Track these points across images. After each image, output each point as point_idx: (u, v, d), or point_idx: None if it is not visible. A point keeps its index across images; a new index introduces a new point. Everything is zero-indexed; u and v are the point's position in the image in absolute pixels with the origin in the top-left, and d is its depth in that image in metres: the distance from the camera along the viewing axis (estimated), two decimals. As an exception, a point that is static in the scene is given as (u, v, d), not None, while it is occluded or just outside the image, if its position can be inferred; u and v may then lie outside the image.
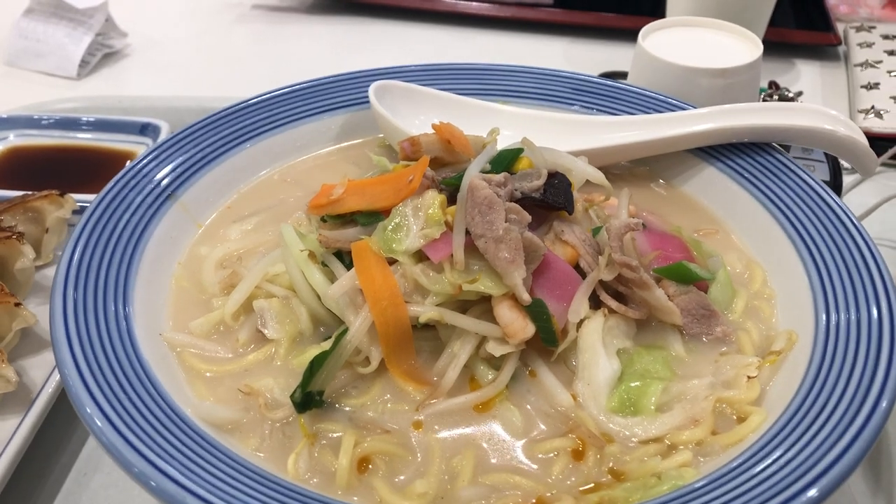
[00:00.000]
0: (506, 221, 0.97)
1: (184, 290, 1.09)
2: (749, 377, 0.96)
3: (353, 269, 0.98)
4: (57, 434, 1.16)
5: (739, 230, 1.21)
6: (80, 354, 0.87)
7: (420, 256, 0.99)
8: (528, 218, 1.00)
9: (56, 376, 1.15)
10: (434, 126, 1.14)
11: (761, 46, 1.55)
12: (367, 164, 1.33)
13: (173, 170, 1.19)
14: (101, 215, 1.09)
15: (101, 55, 2.17)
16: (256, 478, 0.80)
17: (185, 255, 1.14)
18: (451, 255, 0.97)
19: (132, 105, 1.83)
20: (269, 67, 2.20)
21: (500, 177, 1.03)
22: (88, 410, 0.81)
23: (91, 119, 1.73)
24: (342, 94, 1.39)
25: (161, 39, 2.31)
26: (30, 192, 1.41)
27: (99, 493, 1.09)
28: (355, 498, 0.83)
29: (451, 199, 1.03)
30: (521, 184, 1.06)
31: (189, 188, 1.19)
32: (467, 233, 0.98)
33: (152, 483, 0.77)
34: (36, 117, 1.71)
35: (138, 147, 1.71)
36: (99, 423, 0.81)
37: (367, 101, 1.35)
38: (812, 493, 0.77)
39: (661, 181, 1.32)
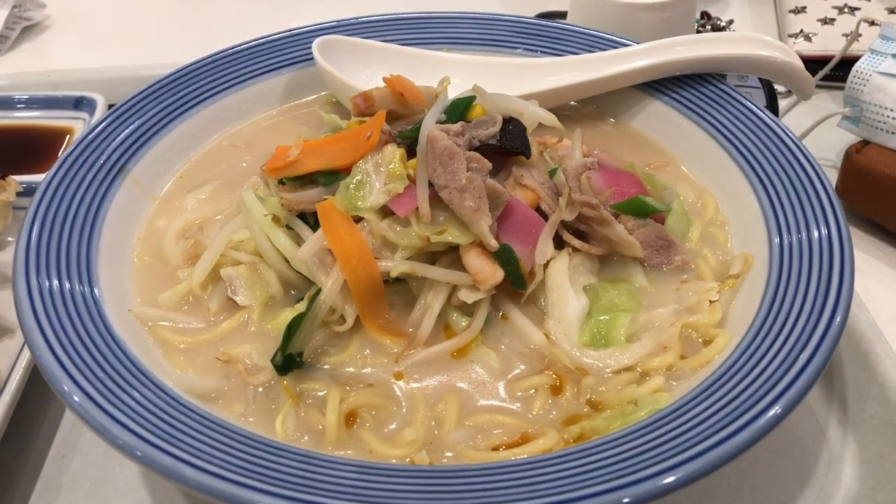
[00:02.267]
0: (467, 171, 0.99)
1: (146, 265, 1.08)
2: (711, 301, 1.00)
3: (319, 231, 0.98)
4: (28, 421, 1.14)
5: (689, 161, 1.25)
6: (52, 338, 0.86)
7: (385, 212, 1.00)
8: (489, 165, 1.01)
9: (22, 363, 1.13)
10: (385, 79, 1.14)
11: (695, -23, 1.58)
12: (318, 123, 1.33)
13: (120, 144, 1.17)
14: (52, 195, 1.06)
15: (21, 29, 2.07)
16: (247, 441, 0.81)
17: (142, 229, 1.13)
18: (417, 209, 0.98)
19: (63, 79, 1.76)
20: (201, 31, 2.13)
21: (458, 126, 1.04)
22: (66, 388, 0.81)
23: (22, 96, 1.66)
24: (284, 53, 1.37)
25: (83, 9, 2.21)
26: (-32, 178, 1.37)
27: (80, 474, 1.08)
28: (349, 451, 0.85)
29: (410, 152, 1.04)
30: (478, 132, 1.07)
31: (138, 161, 1.17)
32: (430, 185, 0.99)
33: (138, 453, 0.77)
34: (-37, 99, 1.64)
35: (75, 122, 1.66)
36: (78, 400, 0.80)
37: (311, 59, 1.34)
38: (776, 410, 0.81)
39: (609, 119, 1.35)
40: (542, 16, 2.00)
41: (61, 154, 1.12)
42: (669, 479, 0.75)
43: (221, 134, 1.30)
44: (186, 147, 1.25)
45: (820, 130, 1.56)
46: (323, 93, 1.39)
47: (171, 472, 0.75)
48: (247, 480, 0.75)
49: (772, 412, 0.80)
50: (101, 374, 0.84)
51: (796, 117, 1.63)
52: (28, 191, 1.38)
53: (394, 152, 1.02)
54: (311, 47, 1.34)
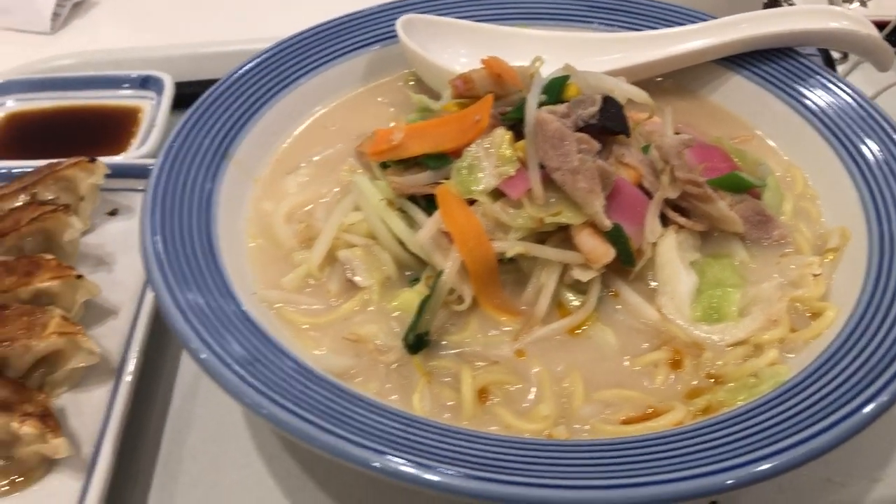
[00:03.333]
0: (578, 152, 1.01)
1: (259, 248, 1.11)
2: (814, 275, 1.03)
3: (436, 214, 1.01)
4: (140, 399, 1.18)
5: (772, 135, 1.28)
6: (198, 325, 0.90)
7: (496, 194, 1.03)
8: (598, 146, 1.04)
9: (136, 345, 1.17)
10: (483, 61, 1.15)
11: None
12: (402, 103, 1.35)
13: (221, 128, 1.19)
14: (166, 183, 1.08)
15: (71, 5, 2.07)
16: (395, 416, 0.85)
17: (250, 212, 1.15)
18: (529, 191, 1.01)
19: (124, 58, 1.78)
20: (253, 6, 2.12)
21: (564, 108, 1.06)
22: (227, 376, 0.84)
23: (90, 76, 1.68)
24: (366, 31, 1.38)
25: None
26: (56, 161, 1.39)
27: (198, 447, 1.12)
28: (493, 427, 0.89)
29: (515, 134, 1.06)
30: (578, 111, 1.10)
31: (239, 145, 1.19)
32: (541, 167, 1.02)
33: (302, 433, 0.80)
34: (34, 80, 1.66)
35: (142, 102, 1.67)
36: (235, 381, 0.84)
37: (389, 38, 1.36)
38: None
39: (688, 93, 1.37)
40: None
41: (168, 139, 1.14)
42: (803, 451, 0.79)
43: (310, 116, 1.32)
44: (280, 129, 1.27)
45: (881, 99, 1.58)
46: (402, 71, 1.40)
47: (337, 451, 0.79)
48: (404, 455, 0.79)
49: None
50: (249, 358, 0.88)
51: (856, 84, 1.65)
52: (114, 172, 1.40)
53: (503, 136, 1.04)
54: (388, 26, 1.36)
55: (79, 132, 1.63)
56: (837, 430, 0.81)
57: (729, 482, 0.78)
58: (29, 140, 1.62)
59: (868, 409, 0.82)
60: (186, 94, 1.65)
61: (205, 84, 1.72)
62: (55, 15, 2.02)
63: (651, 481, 0.78)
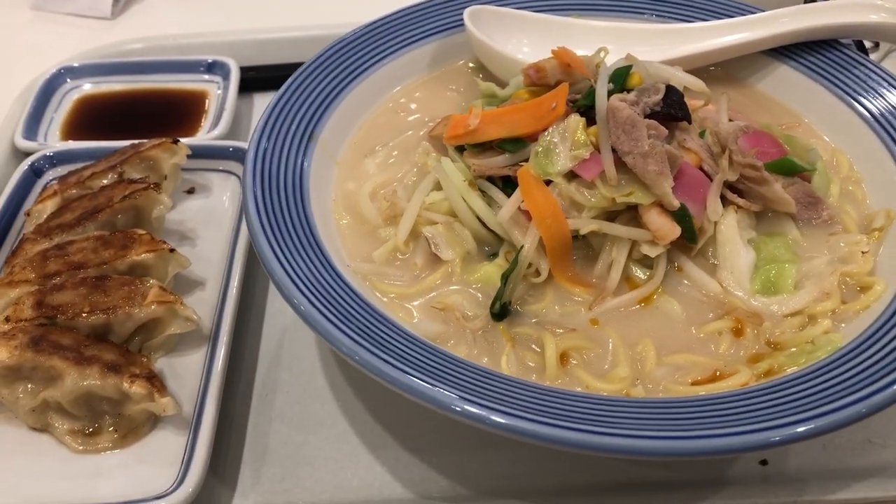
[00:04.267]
0: (648, 138, 1.10)
1: (348, 225, 1.20)
2: (862, 252, 1.12)
3: (516, 193, 1.10)
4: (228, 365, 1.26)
5: (818, 121, 1.36)
6: (307, 292, 0.99)
7: (570, 176, 1.12)
8: (665, 132, 1.12)
9: (228, 315, 1.26)
10: (553, 51, 1.24)
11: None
12: (468, 90, 1.43)
13: (306, 111, 1.28)
14: (263, 162, 1.17)
15: (128, -9, 2.16)
16: (488, 375, 0.94)
17: (335, 192, 1.24)
18: (602, 173, 1.10)
19: (188, 43, 1.87)
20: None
21: (633, 96, 1.15)
22: (342, 340, 0.93)
23: (160, 60, 1.77)
24: (434, 20, 1.46)
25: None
26: (139, 141, 1.47)
27: (285, 409, 1.22)
28: (578, 388, 0.99)
29: (587, 121, 1.15)
30: (644, 99, 1.18)
31: (323, 128, 1.28)
32: (613, 150, 1.10)
33: (411, 387, 0.89)
34: (107, 64, 1.74)
35: (209, 86, 1.76)
36: (353, 349, 0.93)
37: (455, 27, 1.45)
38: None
39: (737, 82, 1.45)
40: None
41: (259, 120, 1.22)
42: (862, 409, 0.88)
43: (381, 101, 1.40)
44: (357, 114, 1.35)
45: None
46: (463, 59, 1.49)
47: (442, 405, 0.88)
48: (498, 406, 0.88)
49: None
50: (357, 322, 0.97)
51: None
52: (193, 153, 1.49)
53: (578, 122, 1.13)
54: (453, 16, 1.44)
55: (149, 114, 1.72)
56: (881, 396, 0.89)
57: (775, 439, 0.86)
58: (103, 122, 1.71)
59: (919, 372, 0.91)
60: (245, 79, 1.75)
61: (265, 69, 1.83)
62: (115, 0, 2.10)
63: (708, 435, 0.86)
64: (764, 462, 1.11)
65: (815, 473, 1.10)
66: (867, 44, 1.84)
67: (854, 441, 1.14)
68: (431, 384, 0.89)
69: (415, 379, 0.90)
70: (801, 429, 0.87)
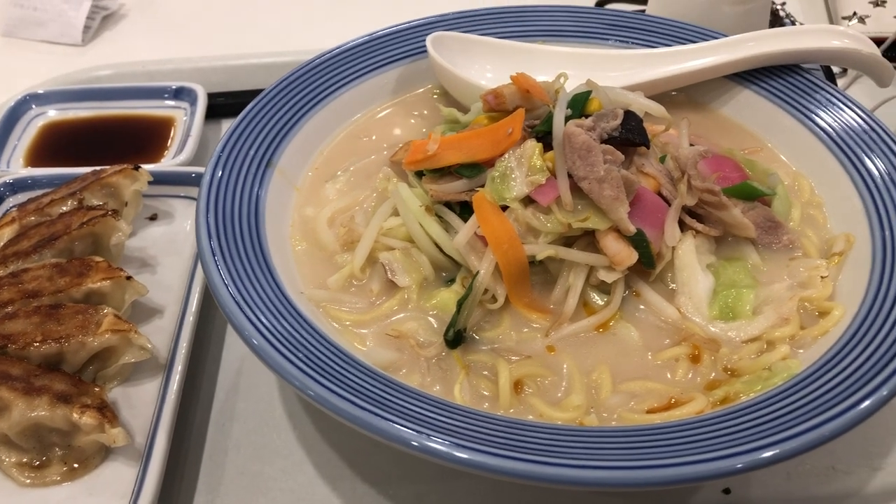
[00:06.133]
0: (604, 163, 1.09)
1: (302, 252, 1.18)
2: (822, 277, 1.11)
3: (472, 219, 1.09)
4: (184, 394, 1.24)
5: (779, 146, 1.36)
6: (257, 320, 0.97)
7: (526, 201, 1.11)
8: (622, 157, 1.12)
9: (184, 343, 1.24)
10: (512, 77, 1.23)
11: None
12: (431, 115, 1.43)
13: (265, 137, 1.27)
14: (217, 190, 1.16)
15: (101, 18, 2.15)
16: (441, 405, 0.92)
17: (292, 218, 1.23)
18: (558, 198, 1.09)
19: (157, 69, 1.86)
20: (281, 21, 2.20)
21: (590, 121, 1.14)
22: (293, 374, 0.91)
23: (127, 87, 1.75)
24: (397, 47, 1.46)
25: (155, -2, 2.30)
26: (100, 168, 1.46)
27: (241, 439, 1.19)
28: (530, 416, 0.97)
29: (544, 146, 1.14)
30: (602, 125, 1.18)
31: (281, 154, 1.27)
32: (569, 176, 1.10)
33: (360, 422, 0.87)
34: (73, 90, 1.73)
35: (175, 112, 1.75)
36: (304, 383, 0.91)
37: (419, 54, 1.44)
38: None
39: (699, 106, 1.45)
40: (600, 4, 2.09)
41: (216, 148, 1.21)
42: (824, 432, 0.87)
43: (343, 127, 1.39)
44: (317, 140, 1.34)
45: (879, 112, 1.66)
46: (428, 85, 1.48)
47: (396, 439, 0.86)
48: (448, 438, 0.86)
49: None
50: (307, 353, 0.95)
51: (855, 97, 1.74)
52: (155, 179, 1.48)
53: (534, 147, 1.12)
54: (415, 43, 1.44)
55: (115, 141, 1.70)
56: (842, 419, 0.88)
57: (738, 466, 0.85)
58: (67, 148, 1.69)
59: (869, 401, 0.90)
60: (215, 105, 1.75)
61: (233, 95, 1.82)
62: (86, 27, 2.09)
63: (669, 464, 0.85)
64: (727, 491, 1.10)
65: (780, 502, 1.09)
66: (835, 69, 1.85)
67: (818, 468, 1.13)
68: (382, 416, 0.87)
69: (363, 411, 0.88)
70: (765, 454, 0.86)
